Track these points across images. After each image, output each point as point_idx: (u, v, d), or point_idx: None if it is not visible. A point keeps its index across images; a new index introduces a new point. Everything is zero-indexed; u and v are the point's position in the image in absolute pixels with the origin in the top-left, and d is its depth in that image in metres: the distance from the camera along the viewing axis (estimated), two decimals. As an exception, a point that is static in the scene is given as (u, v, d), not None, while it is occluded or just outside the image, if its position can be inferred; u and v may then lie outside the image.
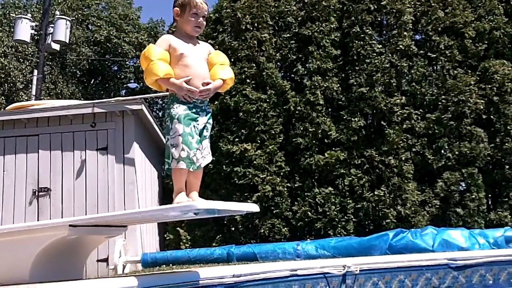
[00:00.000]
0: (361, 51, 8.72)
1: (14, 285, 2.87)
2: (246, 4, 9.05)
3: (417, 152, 8.52)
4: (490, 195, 8.84)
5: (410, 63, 8.86)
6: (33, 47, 16.42)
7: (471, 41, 8.97)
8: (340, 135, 8.49)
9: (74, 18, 16.87)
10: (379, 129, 8.70)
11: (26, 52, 17.37)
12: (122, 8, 20.72)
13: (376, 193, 8.14)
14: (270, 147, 8.41)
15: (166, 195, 8.79)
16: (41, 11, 14.69)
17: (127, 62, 20.74)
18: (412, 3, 9.11)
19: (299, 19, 9.17)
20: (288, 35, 9.13)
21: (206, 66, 3.20)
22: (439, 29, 8.97)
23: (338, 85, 8.75)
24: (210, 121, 3.18)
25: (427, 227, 6.30)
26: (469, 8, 9.24)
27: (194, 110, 3.07)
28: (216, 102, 8.71)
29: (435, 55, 8.89)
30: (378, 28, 9.29)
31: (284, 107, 8.74)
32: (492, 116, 8.72)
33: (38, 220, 6.49)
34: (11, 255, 3.43)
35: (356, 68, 8.71)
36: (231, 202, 3.42)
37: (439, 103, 8.64)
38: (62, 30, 12.62)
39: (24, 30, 12.59)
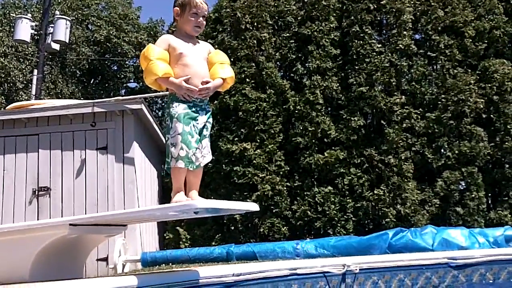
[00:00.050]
0: (361, 50, 8.72)
1: (15, 284, 2.87)
2: (245, 3, 9.06)
3: (417, 151, 8.52)
4: (490, 194, 8.84)
5: (410, 63, 8.86)
6: (33, 47, 16.42)
7: (471, 40, 8.97)
8: (339, 135, 8.49)
9: (74, 18, 16.87)
10: (379, 128, 8.70)
11: (26, 52, 17.37)
12: (122, 8, 20.71)
13: (375, 192, 8.14)
14: (269, 146, 8.41)
15: (165, 194, 8.80)
16: (41, 11, 14.69)
17: (126, 62, 20.74)
18: (412, 2, 9.12)
19: (298, 18, 9.18)
20: (288, 34, 9.14)
21: (206, 66, 3.20)
22: (439, 28, 8.97)
23: (338, 84, 8.75)
24: (210, 120, 3.18)
25: (427, 226, 6.30)
26: (469, 7, 9.24)
27: (193, 109, 3.06)
28: (215, 102, 8.72)
29: (435, 54, 8.90)
30: (378, 27, 9.29)
31: (284, 107, 8.74)
32: (492, 115, 8.72)
33: (38, 220, 6.49)
34: (11, 254, 3.43)
35: (356, 67, 8.71)
36: (230, 201, 3.42)
37: (439, 102, 8.65)
38: (62, 30, 12.63)
39: (24, 30, 12.59)
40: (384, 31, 9.28)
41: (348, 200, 8.19)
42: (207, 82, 3.10)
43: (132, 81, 21.39)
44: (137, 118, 7.37)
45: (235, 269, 3.62)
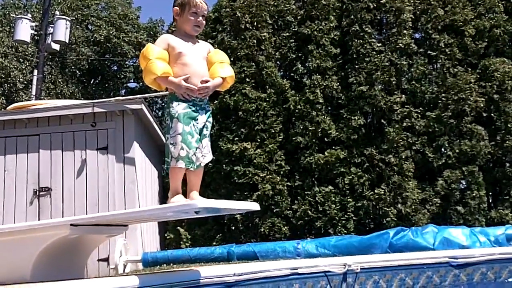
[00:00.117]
0: (361, 49, 8.71)
1: (16, 285, 2.87)
2: (245, 3, 9.05)
3: (417, 151, 8.52)
4: (491, 193, 8.84)
5: (410, 62, 8.86)
6: (33, 47, 16.42)
7: (471, 39, 8.97)
8: (340, 134, 8.49)
9: (73, 18, 16.87)
10: (379, 127, 8.70)
11: (26, 52, 17.37)
12: (122, 8, 20.71)
13: (376, 191, 8.14)
14: (270, 146, 8.41)
15: (166, 194, 8.71)
16: (41, 11, 14.68)
17: (126, 62, 20.74)
18: (412, 1, 9.11)
19: (298, 18, 9.17)
20: (288, 34, 9.13)
21: (205, 65, 3.20)
22: (439, 27, 8.96)
23: (338, 83, 8.75)
24: (210, 119, 3.17)
25: (427, 226, 6.31)
26: (469, 6, 9.23)
27: (193, 109, 3.05)
28: (215, 101, 8.72)
29: (435, 53, 8.89)
30: (378, 26, 9.28)
31: (284, 106, 8.74)
32: (492, 114, 8.71)
33: (39, 220, 6.49)
34: (13, 255, 3.43)
35: (356, 66, 8.71)
36: (231, 201, 3.42)
37: (439, 101, 8.64)
38: (62, 30, 12.63)
39: (24, 30, 12.59)
40: (384, 30, 9.27)
41: (348, 200, 8.19)
42: (206, 81, 3.10)
43: (132, 81, 21.39)
44: (138, 118, 7.37)
45: (236, 269, 3.62)
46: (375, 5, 8.95)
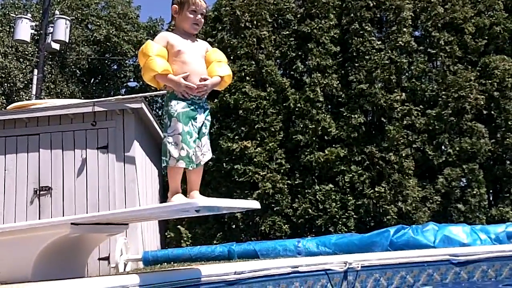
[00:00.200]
0: (361, 47, 8.71)
1: (16, 284, 2.87)
2: (245, 1, 9.05)
3: (418, 148, 8.52)
4: (491, 191, 8.84)
5: (410, 59, 8.86)
6: (33, 47, 16.42)
7: (471, 36, 8.96)
8: (340, 132, 8.49)
9: (73, 17, 16.86)
10: (379, 125, 8.70)
11: (26, 52, 17.36)
12: (121, 7, 20.71)
13: (376, 189, 8.14)
14: (270, 144, 8.41)
15: (166, 193, 8.77)
16: (41, 11, 14.67)
17: (126, 61, 20.75)
18: (412, -1, 9.11)
19: (298, 16, 9.17)
20: (287, 32, 9.13)
21: (204, 63, 3.19)
22: (439, 25, 8.95)
23: (338, 82, 8.75)
24: (209, 118, 3.17)
25: (428, 223, 6.31)
26: (469, 3, 9.23)
27: (192, 107, 3.05)
28: (216, 100, 8.71)
29: (435, 51, 8.88)
30: (378, 24, 9.27)
31: (284, 104, 8.73)
32: (492, 112, 8.71)
33: (39, 219, 6.50)
34: (13, 254, 3.43)
35: (356, 64, 8.70)
36: (231, 199, 3.42)
37: (439, 99, 8.64)
38: (61, 30, 12.63)
39: (24, 30, 12.59)
40: (384, 28, 9.26)
41: (349, 198, 8.19)
42: (205, 80, 3.09)
43: (132, 80, 21.40)
44: (138, 117, 7.37)
45: (237, 267, 3.61)
46: (375, 3, 8.95)
